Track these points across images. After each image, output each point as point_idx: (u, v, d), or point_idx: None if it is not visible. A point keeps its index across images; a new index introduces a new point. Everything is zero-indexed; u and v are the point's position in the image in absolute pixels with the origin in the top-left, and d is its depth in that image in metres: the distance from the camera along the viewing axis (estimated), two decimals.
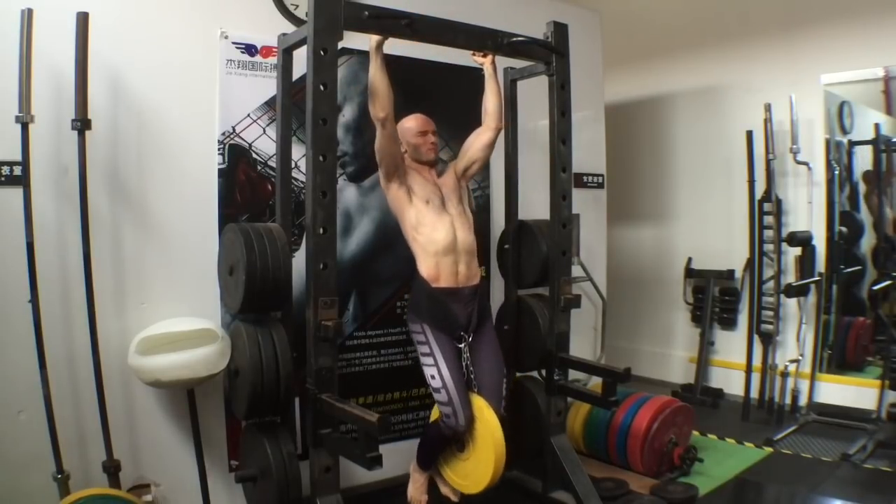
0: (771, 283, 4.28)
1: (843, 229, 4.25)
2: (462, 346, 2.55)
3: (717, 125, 4.70)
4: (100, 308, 2.34)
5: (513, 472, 3.12)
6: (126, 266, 2.48)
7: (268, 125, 2.73)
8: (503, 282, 3.14)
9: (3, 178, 2.23)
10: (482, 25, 2.53)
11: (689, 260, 4.82)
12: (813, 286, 4.08)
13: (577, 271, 3.47)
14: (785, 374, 4.15)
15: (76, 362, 2.35)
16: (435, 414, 2.66)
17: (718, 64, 4.67)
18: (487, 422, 2.47)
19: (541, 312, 2.94)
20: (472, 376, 2.55)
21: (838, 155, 4.26)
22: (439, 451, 2.65)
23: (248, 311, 2.27)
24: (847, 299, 4.30)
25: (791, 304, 4.26)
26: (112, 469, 2.33)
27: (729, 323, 4.66)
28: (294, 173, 2.63)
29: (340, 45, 2.16)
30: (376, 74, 2.33)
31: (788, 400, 4.14)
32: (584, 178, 3.86)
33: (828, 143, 4.18)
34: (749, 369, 4.27)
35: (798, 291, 4.00)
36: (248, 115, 2.71)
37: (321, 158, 2.11)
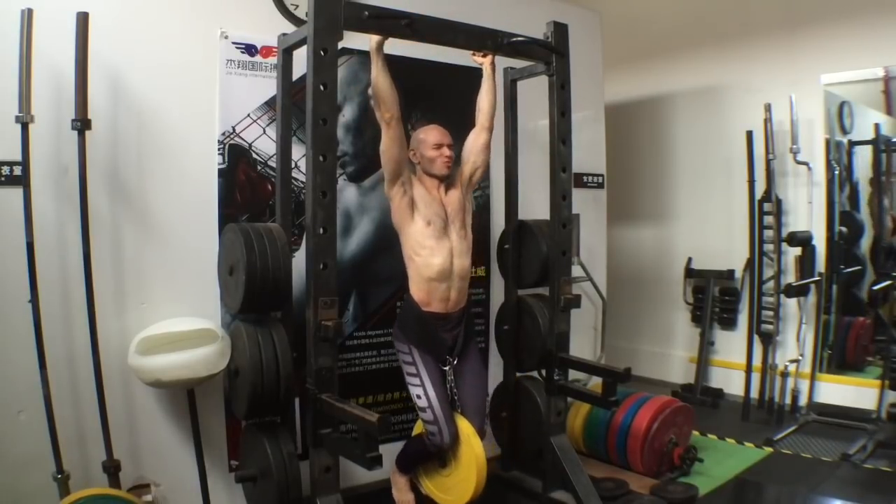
0: (771, 283, 4.28)
1: (843, 229, 4.26)
2: (447, 368, 2.59)
3: (717, 125, 4.70)
4: (100, 308, 2.34)
5: (513, 472, 3.12)
6: (126, 266, 2.48)
7: (268, 125, 2.73)
8: (503, 282, 3.14)
9: (3, 178, 2.23)
10: (482, 25, 2.53)
11: (689, 260, 4.82)
12: (813, 286, 4.08)
13: (577, 271, 3.47)
14: (785, 374, 4.15)
15: (76, 362, 2.35)
16: (418, 428, 2.70)
17: (718, 64, 4.67)
18: (472, 446, 2.52)
19: (541, 312, 2.94)
20: (455, 398, 2.60)
21: (838, 155, 4.26)
22: (422, 463, 2.70)
23: (248, 311, 2.27)
24: (847, 299, 4.30)
25: (791, 304, 4.26)
26: (112, 469, 2.33)
27: (729, 323, 4.66)
28: (294, 173, 2.63)
29: (340, 45, 2.16)
30: (379, 76, 2.32)
31: (788, 400, 4.14)
32: (584, 178, 3.86)
33: (828, 143, 4.19)
34: (749, 369, 4.27)
35: (798, 291, 4.00)
36: (248, 115, 2.71)
37: (321, 158, 2.11)
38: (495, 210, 3.35)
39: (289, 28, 2.64)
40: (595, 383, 2.93)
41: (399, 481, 2.74)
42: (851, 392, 4.02)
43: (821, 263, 4.11)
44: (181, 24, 2.57)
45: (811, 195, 4.17)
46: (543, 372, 2.89)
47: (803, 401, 4.10)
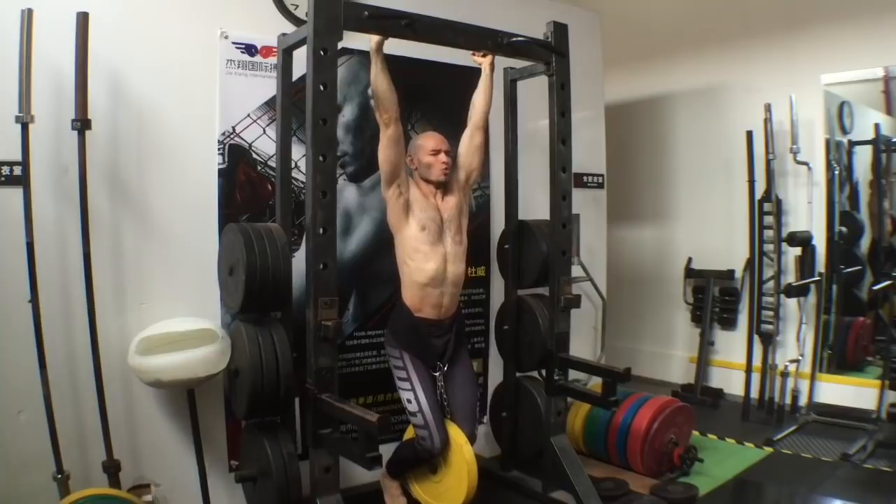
0: (771, 283, 4.28)
1: (843, 229, 4.26)
2: (437, 374, 2.59)
3: (717, 125, 4.70)
4: (100, 308, 2.34)
5: (513, 472, 3.12)
6: (126, 266, 2.48)
7: (268, 125, 2.73)
8: (503, 282, 3.14)
9: (3, 178, 2.24)
10: (482, 25, 2.53)
11: (689, 260, 4.82)
12: (813, 286, 4.08)
13: (577, 271, 3.47)
14: (785, 374, 4.15)
15: (76, 362, 2.35)
16: (409, 433, 2.69)
17: (718, 64, 4.67)
18: (463, 454, 2.52)
19: (541, 312, 2.94)
20: (445, 403, 2.60)
21: (838, 155, 4.26)
22: (412, 468, 2.70)
23: (248, 311, 2.27)
24: (847, 299, 4.30)
25: (791, 304, 4.26)
26: (112, 469, 2.33)
27: (729, 323, 4.66)
28: (294, 173, 2.63)
29: (340, 45, 2.16)
30: (378, 76, 2.32)
31: (788, 400, 4.13)
32: (584, 178, 3.87)
33: (828, 143, 4.19)
34: (749, 369, 4.27)
35: (798, 291, 4.00)
36: (248, 115, 2.71)
37: (321, 158, 2.11)
38: (495, 210, 3.35)
39: (289, 28, 2.64)
40: (595, 383, 2.93)
41: (390, 486, 2.73)
42: (851, 392, 4.01)
43: (821, 263, 4.11)
44: (181, 24, 2.57)
45: (811, 195, 4.17)
46: (543, 372, 2.89)
47: (803, 401, 4.10)
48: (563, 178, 2.76)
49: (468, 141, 2.67)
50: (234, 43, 2.67)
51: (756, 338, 4.29)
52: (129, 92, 2.47)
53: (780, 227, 4.24)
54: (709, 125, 4.77)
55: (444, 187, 2.59)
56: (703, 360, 4.58)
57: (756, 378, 4.25)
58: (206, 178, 2.64)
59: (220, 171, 2.66)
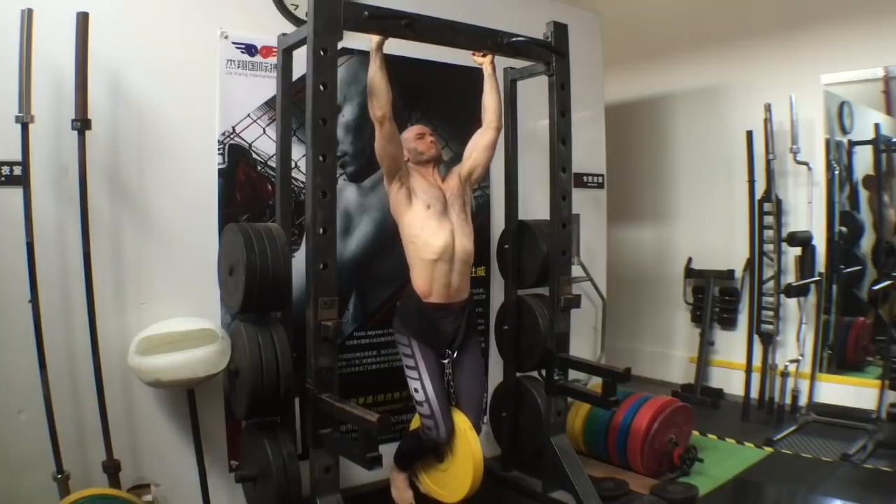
0: (771, 283, 4.28)
1: (843, 229, 4.26)
2: (446, 361, 2.59)
3: (717, 125, 4.69)
4: (100, 308, 2.34)
5: (513, 472, 3.13)
6: (126, 266, 2.48)
7: (268, 125, 2.73)
8: (503, 282, 3.14)
9: (3, 178, 2.23)
10: (482, 25, 2.53)
11: (689, 260, 4.82)
12: (813, 286, 4.08)
13: (577, 271, 3.47)
14: (785, 374, 4.15)
15: (76, 362, 2.35)
16: (415, 423, 2.70)
17: (718, 64, 4.67)
18: (467, 438, 2.52)
19: (541, 312, 2.94)
20: (452, 391, 2.60)
21: (838, 155, 4.26)
22: (418, 458, 2.71)
23: (248, 311, 2.27)
24: (847, 299, 4.30)
25: (791, 304, 4.26)
26: (112, 469, 2.33)
27: (729, 323, 4.66)
28: (294, 173, 2.63)
29: (340, 45, 2.16)
30: (376, 74, 2.33)
31: (788, 400, 4.13)
32: (584, 178, 3.86)
33: (828, 143, 4.19)
34: (749, 369, 4.27)
35: (798, 291, 4.00)
36: (248, 115, 2.71)
37: (321, 158, 2.11)
38: (495, 210, 3.35)
39: (289, 28, 2.64)
40: (595, 383, 2.93)
41: (397, 479, 2.74)
42: (851, 392, 4.01)
43: (821, 263, 4.11)
44: (181, 25, 2.57)
45: (811, 195, 4.17)
46: (543, 372, 2.89)
47: (803, 401, 4.09)
48: (563, 178, 2.76)
49: (479, 138, 2.71)
50: (234, 43, 2.67)
51: (756, 338, 4.29)
52: (129, 92, 2.47)
53: (780, 227, 4.24)
54: (709, 125, 4.77)
55: (440, 168, 2.66)
56: (703, 360, 4.58)
57: (756, 378, 4.25)
58: (206, 178, 2.64)
59: (220, 171, 2.66)
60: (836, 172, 4.21)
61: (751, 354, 4.28)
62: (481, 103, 2.72)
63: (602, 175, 3.98)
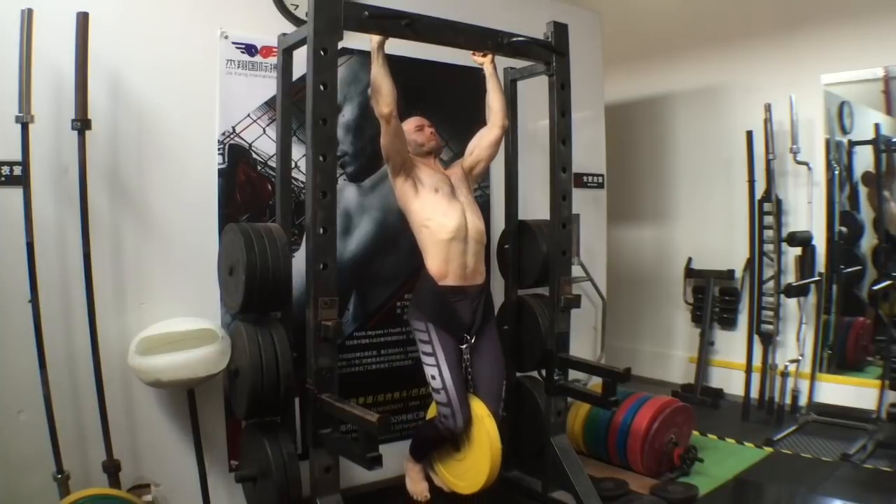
0: (771, 283, 4.28)
1: (843, 229, 4.26)
2: (464, 346, 2.55)
3: (717, 125, 4.70)
4: (100, 308, 2.34)
5: (513, 472, 3.12)
6: (126, 266, 2.48)
7: (268, 125, 2.73)
8: (503, 282, 3.14)
9: (3, 178, 2.23)
10: (482, 25, 2.53)
11: (689, 260, 4.82)
12: (813, 286, 4.08)
13: (577, 271, 3.47)
14: (785, 374, 4.15)
15: (76, 362, 2.35)
16: (432, 411, 2.66)
17: (718, 64, 4.67)
18: (485, 425, 2.48)
19: (541, 312, 2.94)
20: (469, 377, 2.56)
21: (838, 155, 4.26)
22: (435, 448, 2.66)
23: (248, 311, 2.27)
24: (847, 299, 4.30)
25: (791, 304, 4.26)
26: (112, 469, 2.33)
27: (729, 323, 4.66)
28: (294, 173, 2.63)
29: (340, 45, 2.16)
30: (379, 72, 2.33)
31: (788, 400, 4.14)
32: (584, 178, 3.87)
33: (828, 143, 4.19)
34: (749, 369, 4.27)
35: (798, 291, 4.00)
36: (248, 115, 2.71)
37: (321, 158, 2.11)
38: (495, 210, 3.34)
39: (289, 28, 2.64)
40: (595, 383, 2.93)
41: (412, 470, 2.70)
42: (851, 392, 4.02)
43: (821, 263, 4.11)
44: (181, 25, 2.57)
45: (811, 195, 4.17)
46: (543, 372, 2.89)
47: (803, 401, 4.10)
48: (563, 178, 2.76)
49: (484, 134, 2.73)
50: (234, 43, 2.67)
51: (756, 338, 4.29)
52: (129, 92, 2.47)
53: (780, 227, 4.24)
54: (709, 125, 4.77)
55: (439, 156, 2.68)
56: (703, 360, 4.58)
57: (756, 378, 4.25)
58: (206, 178, 2.64)
59: (220, 171, 2.66)
60: (836, 172, 4.21)
61: (751, 354, 4.28)
62: (486, 103, 2.72)
63: (602, 175, 3.98)
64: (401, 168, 2.50)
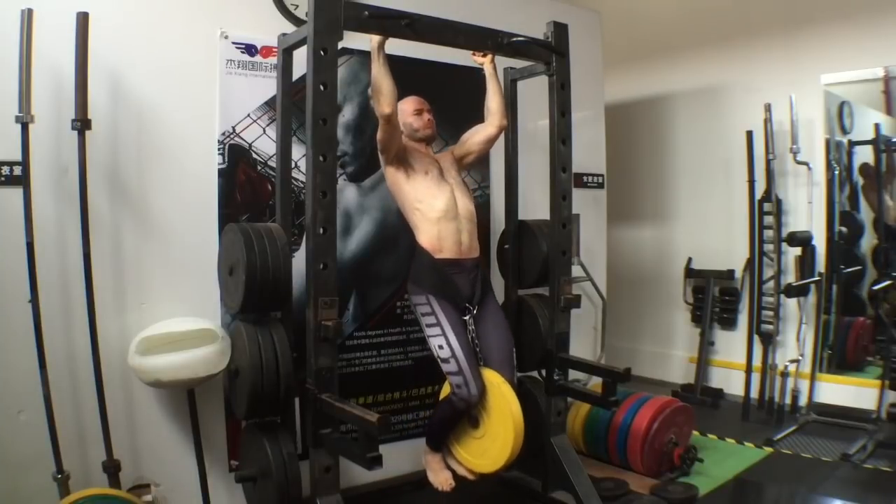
0: (771, 283, 4.28)
1: (843, 229, 4.26)
2: (467, 318, 2.54)
3: (717, 125, 4.70)
4: (100, 308, 2.34)
5: (513, 472, 3.12)
6: (126, 266, 2.48)
7: (268, 125, 2.73)
8: (503, 282, 3.14)
9: (3, 178, 2.23)
10: (482, 25, 2.53)
11: (689, 260, 4.82)
12: (813, 286, 4.08)
13: (577, 271, 3.47)
14: (785, 374, 4.15)
15: (76, 362, 2.35)
16: (445, 391, 2.61)
17: (718, 64, 4.67)
18: (502, 392, 2.41)
19: (541, 312, 2.94)
20: (477, 349, 2.52)
21: (838, 155, 4.26)
22: (451, 428, 2.58)
23: (248, 311, 2.27)
24: (847, 299, 4.30)
25: (791, 304, 4.26)
26: (112, 469, 2.33)
27: (729, 323, 4.66)
28: (294, 173, 2.63)
29: (340, 45, 2.16)
30: (380, 72, 2.33)
31: (788, 400, 4.14)
32: (584, 178, 3.86)
33: (828, 143, 4.19)
34: (749, 369, 4.27)
35: (798, 291, 4.00)
36: (248, 115, 2.71)
37: (321, 158, 2.11)
38: (495, 210, 3.35)
39: (289, 28, 2.64)
40: (595, 383, 2.93)
41: (432, 461, 2.63)
42: (851, 392, 4.02)
43: (821, 263, 4.11)
44: (181, 25, 2.57)
45: (811, 195, 4.17)
46: (543, 372, 2.89)
47: (803, 401, 4.09)
48: (563, 178, 2.76)
49: (481, 129, 2.74)
50: (234, 43, 2.67)
51: (756, 338, 4.29)
52: (129, 92, 2.47)
53: (780, 227, 4.24)
54: (709, 125, 4.77)
55: (432, 143, 2.69)
56: (703, 360, 4.58)
57: (756, 378, 4.25)
58: (206, 178, 2.64)
59: (220, 171, 2.66)
60: (836, 172, 4.21)
61: (751, 354, 4.28)
62: (485, 104, 2.72)
63: (602, 175, 3.98)
64: (394, 158, 2.52)
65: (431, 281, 2.49)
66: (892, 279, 3.86)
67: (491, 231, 3.36)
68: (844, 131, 4.31)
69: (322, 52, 2.10)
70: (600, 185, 3.97)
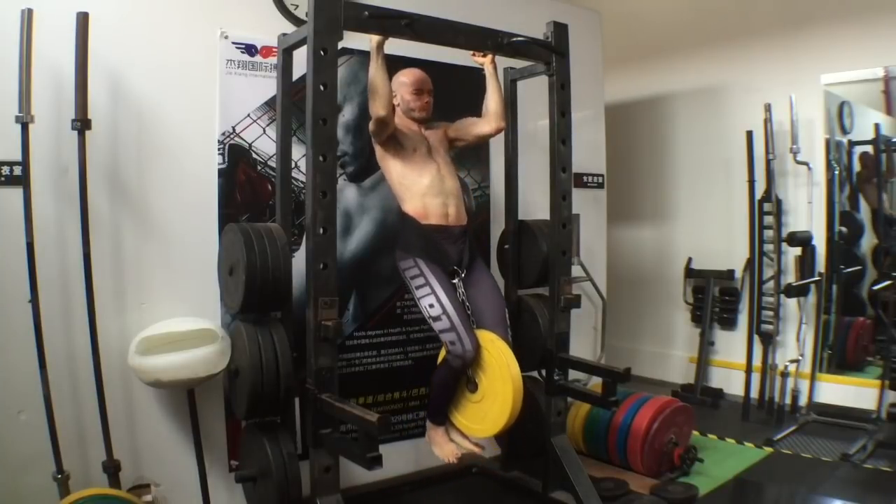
0: (771, 283, 4.28)
1: (843, 229, 4.26)
2: (456, 281, 2.55)
3: (717, 125, 4.70)
4: (100, 308, 2.34)
5: (513, 472, 3.12)
6: (126, 266, 2.48)
7: (268, 125, 2.73)
8: (503, 282, 3.14)
9: (3, 178, 2.24)
10: (482, 25, 2.53)
11: (689, 260, 4.82)
12: (813, 286, 4.08)
13: (577, 271, 3.47)
14: (785, 374, 4.15)
15: (76, 362, 2.35)
16: (441, 356, 2.60)
17: (718, 64, 4.67)
18: (496, 347, 2.41)
19: (541, 312, 2.94)
20: (469, 312, 2.52)
21: (838, 155, 4.26)
22: (451, 393, 2.57)
23: (248, 311, 2.27)
24: (847, 299, 4.30)
25: (791, 304, 4.26)
26: (112, 469, 2.33)
27: (729, 323, 4.66)
28: (294, 173, 2.63)
29: (340, 45, 2.16)
30: (377, 74, 2.34)
31: (788, 400, 4.13)
32: (584, 178, 3.87)
33: (828, 143, 4.19)
34: (749, 369, 4.27)
35: (798, 291, 4.00)
36: (248, 115, 2.71)
37: (321, 158, 2.11)
38: (495, 210, 3.35)
39: (289, 28, 2.64)
40: (595, 383, 2.92)
41: (435, 435, 2.63)
42: (851, 392, 4.01)
43: (821, 263, 4.11)
44: (181, 25, 2.57)
45: (811, 195, 4.17)
46: (543, 372, 2.89)
47: (803, 401, 4.09)
48: (563, 178, 2.76)
49: (478, 123, 2.73)
50: (234, 43, 2.67)
51: (756, 338, 4.29)
52: (129, 92, 2.47)
53: (780, 227, 4.24)
54: (709, 125, 4.77)
55: (424, 124, 2.68)
56: (703, 360, 4.58)
57: (756, 378, 4.25)
58: (206, 178, 2.64)
59: (220, 171, 2.66)
60: (836, 172, 4.21)
61: (751, 354, 4.28)
62: (483, 104, 2.72)
63: (602, 175, 3.98)
64: (386, 139, 2.52)
65: (419, 246, 2.51)
66: (892, 279, 3.86)
67: (491, 231, 3.36)
68: (844, 131, 4.31)
69: (322, 52, 2.10)
70: (600, 185, 3.97)
